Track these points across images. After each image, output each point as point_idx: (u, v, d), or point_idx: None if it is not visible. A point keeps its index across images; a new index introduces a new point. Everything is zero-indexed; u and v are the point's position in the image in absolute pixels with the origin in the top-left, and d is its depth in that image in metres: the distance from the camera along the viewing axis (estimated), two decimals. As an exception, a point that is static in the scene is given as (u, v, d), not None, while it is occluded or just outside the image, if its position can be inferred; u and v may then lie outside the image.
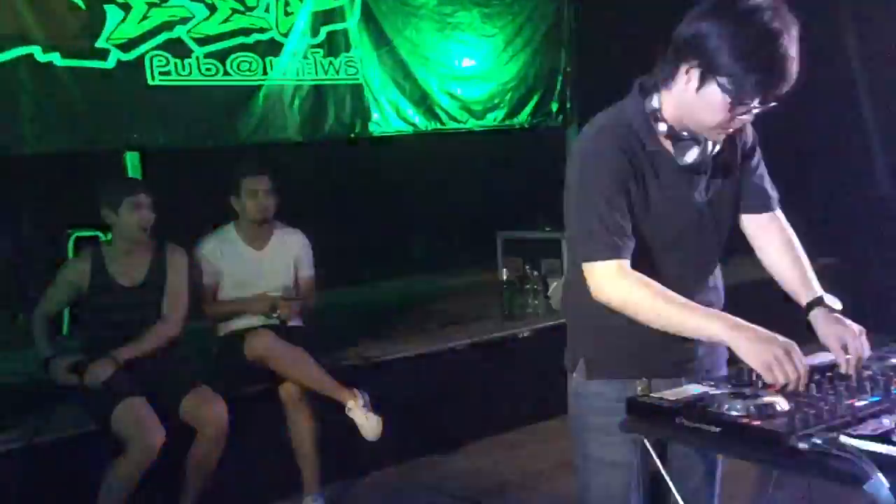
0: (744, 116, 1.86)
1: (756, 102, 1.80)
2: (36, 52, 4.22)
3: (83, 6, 4.35)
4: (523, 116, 6.07)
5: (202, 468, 3.43)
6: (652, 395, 1.86)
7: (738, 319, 1.82)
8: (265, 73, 4.93)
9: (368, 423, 3.63)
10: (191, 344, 3.84)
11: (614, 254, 1.88)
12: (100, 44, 4.40)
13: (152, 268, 3.62)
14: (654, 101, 1.92)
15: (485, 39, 5.87)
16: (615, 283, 1.88)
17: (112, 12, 4.43)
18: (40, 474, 3.40)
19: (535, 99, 6.12)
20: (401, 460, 4.10)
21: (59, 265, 3.72)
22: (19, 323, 4.84)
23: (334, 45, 5.20)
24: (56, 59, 4.28)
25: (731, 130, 1.91)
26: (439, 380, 4.53)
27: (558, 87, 6.23)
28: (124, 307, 3.54)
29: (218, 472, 3.46)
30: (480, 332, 4.89)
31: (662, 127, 1.92)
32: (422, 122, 5.59)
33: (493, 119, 5.93)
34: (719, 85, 1.79)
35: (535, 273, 5.28)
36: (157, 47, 4.56)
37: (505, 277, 5.17)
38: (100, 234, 4.30)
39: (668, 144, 1.95)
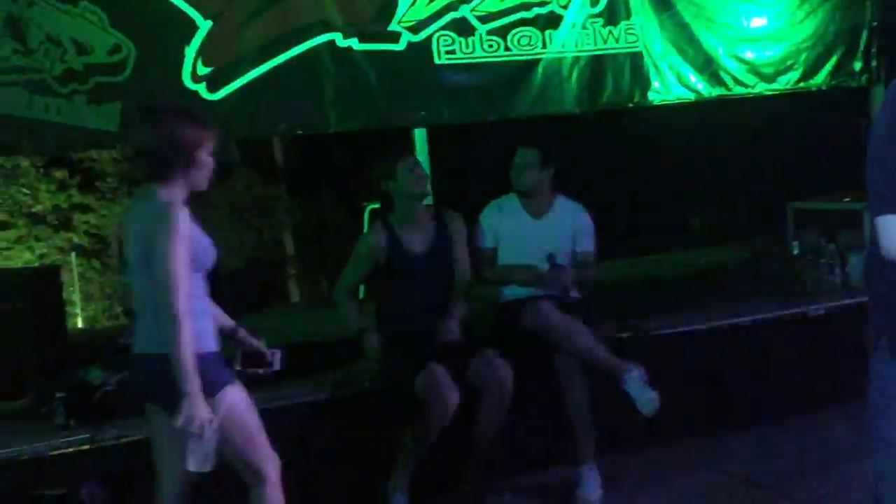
0: None
1: None
2: (337, 38, 4.57)
3: (378, -8, 4.65)
4: (821, 78, 5.59)
5: (486, 428, 3.56)
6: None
7: None
8: (544, 46, 4.96)
9: (645, 398, 3.58)
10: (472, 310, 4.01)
11: None
12: (392, 27, 4.68)
13: (437, 234, 3.83)
14: None
15: (778, -4, 5.48)
16: None
17: (403, -3, 4.70)
18: (340, 424, 3.75)
19: (835, 58, 5.60)
20: (675, 437, 4.00)
21: (355, 235, 4.03)
22: (323, 288, 5.33)
23: (614, 14, 5.11)
24: (354, 43, 4.61)
25: None
26: (721, 357, 4.35)
27: (862, 44, 5.65)
28: (417, 273, 3.76)
29: (500, 436, 3.59)
30: (766, 308, 4.62)
31: None
32: (705, 89, 5.34)
33: (785, 82, 5.52)
34: None
35: (832, 246, 4.89)
36: (444, 27, 4.76)
37: (796, 251, 4.84)
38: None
39: None
